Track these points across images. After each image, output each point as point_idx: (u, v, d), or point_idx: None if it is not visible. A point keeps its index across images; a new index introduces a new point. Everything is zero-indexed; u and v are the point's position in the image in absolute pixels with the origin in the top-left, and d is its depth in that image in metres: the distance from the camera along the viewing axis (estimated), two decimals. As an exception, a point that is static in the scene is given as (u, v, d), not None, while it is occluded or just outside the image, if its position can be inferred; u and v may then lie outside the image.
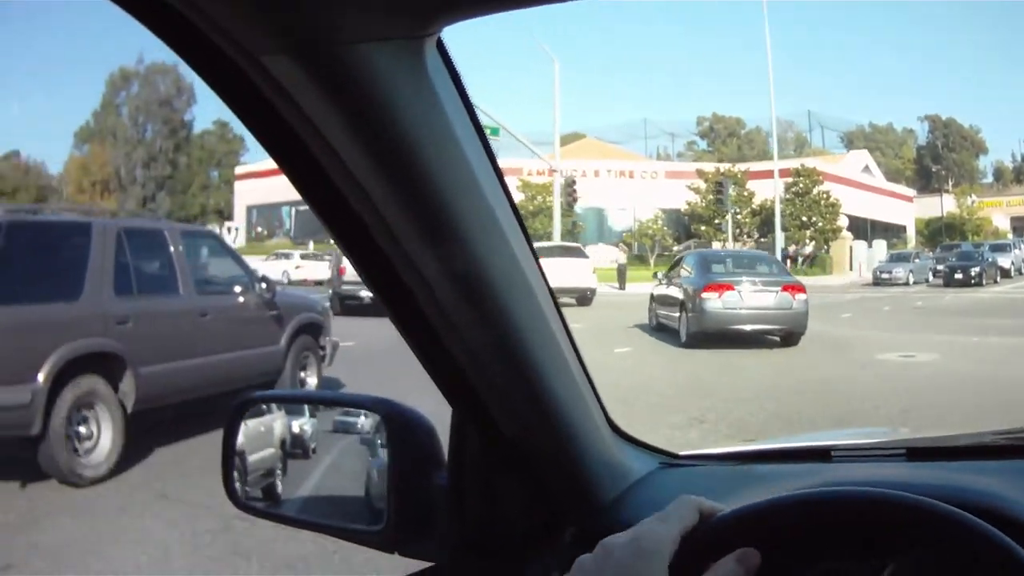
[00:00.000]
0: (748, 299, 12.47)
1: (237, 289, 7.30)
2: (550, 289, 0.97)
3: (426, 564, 1.14)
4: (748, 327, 12.37)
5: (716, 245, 36.16)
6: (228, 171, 50.19)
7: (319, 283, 23.08)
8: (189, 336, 6.51)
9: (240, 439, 1.25)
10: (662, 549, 0.64)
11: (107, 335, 5.69)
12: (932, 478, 1.04)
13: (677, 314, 13.27)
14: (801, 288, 12.86)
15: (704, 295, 12.43)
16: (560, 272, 17.29)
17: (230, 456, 1.24)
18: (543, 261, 0.94)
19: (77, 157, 48.92)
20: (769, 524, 0.74)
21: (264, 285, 7.51)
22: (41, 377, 5.14)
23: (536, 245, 0.94)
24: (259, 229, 45.38)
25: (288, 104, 0.68)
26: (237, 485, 1.25)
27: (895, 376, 9.96)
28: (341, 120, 0.69)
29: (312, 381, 8.08)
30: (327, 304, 9.22)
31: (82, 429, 5.45)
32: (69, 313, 5.54)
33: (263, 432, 1.33)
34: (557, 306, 0.98)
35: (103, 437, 5.55)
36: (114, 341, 5.71)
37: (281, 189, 31.45)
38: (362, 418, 1.23)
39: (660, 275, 15.65)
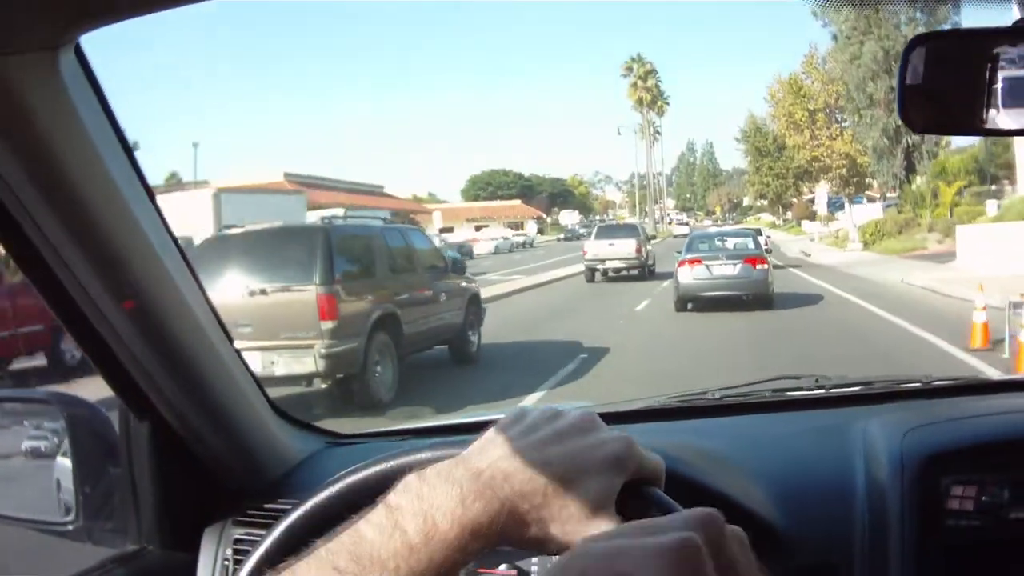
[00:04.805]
0: (715, 270, 14.66)
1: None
2: (200, 285, 1.01)
3: (118, 551, 1.15)
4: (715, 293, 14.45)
5: None
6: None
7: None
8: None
9: None
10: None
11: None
12: None
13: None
14: (762, 260, 14.94)
15: (679, 268, 14.75)
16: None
17: None
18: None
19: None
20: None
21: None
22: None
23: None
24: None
25: None
26: None
27: None
28: None
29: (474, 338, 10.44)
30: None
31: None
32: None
33: None
34: (207, 300, 1.03)
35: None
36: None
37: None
38: (46, 409, 1.19)
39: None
